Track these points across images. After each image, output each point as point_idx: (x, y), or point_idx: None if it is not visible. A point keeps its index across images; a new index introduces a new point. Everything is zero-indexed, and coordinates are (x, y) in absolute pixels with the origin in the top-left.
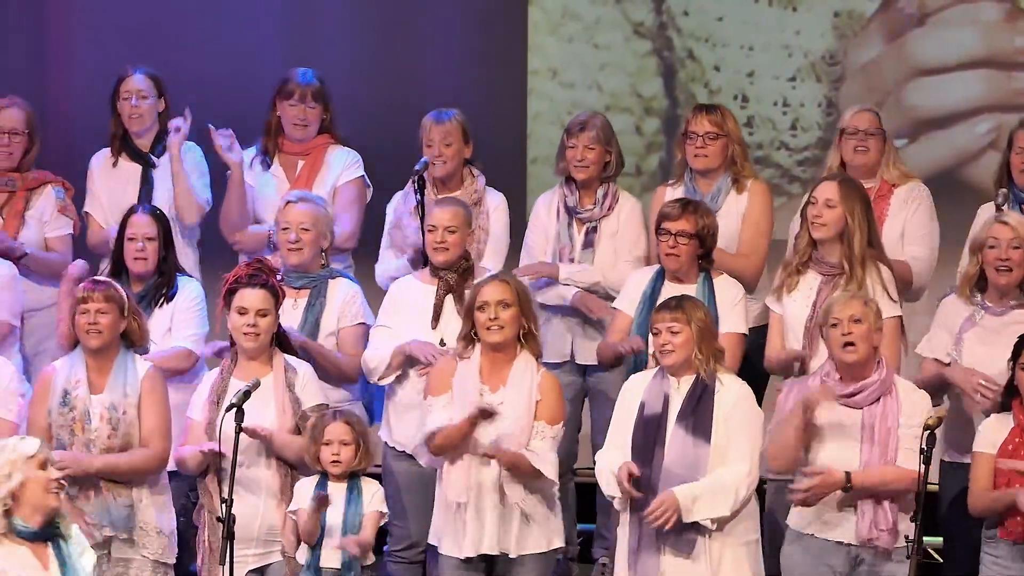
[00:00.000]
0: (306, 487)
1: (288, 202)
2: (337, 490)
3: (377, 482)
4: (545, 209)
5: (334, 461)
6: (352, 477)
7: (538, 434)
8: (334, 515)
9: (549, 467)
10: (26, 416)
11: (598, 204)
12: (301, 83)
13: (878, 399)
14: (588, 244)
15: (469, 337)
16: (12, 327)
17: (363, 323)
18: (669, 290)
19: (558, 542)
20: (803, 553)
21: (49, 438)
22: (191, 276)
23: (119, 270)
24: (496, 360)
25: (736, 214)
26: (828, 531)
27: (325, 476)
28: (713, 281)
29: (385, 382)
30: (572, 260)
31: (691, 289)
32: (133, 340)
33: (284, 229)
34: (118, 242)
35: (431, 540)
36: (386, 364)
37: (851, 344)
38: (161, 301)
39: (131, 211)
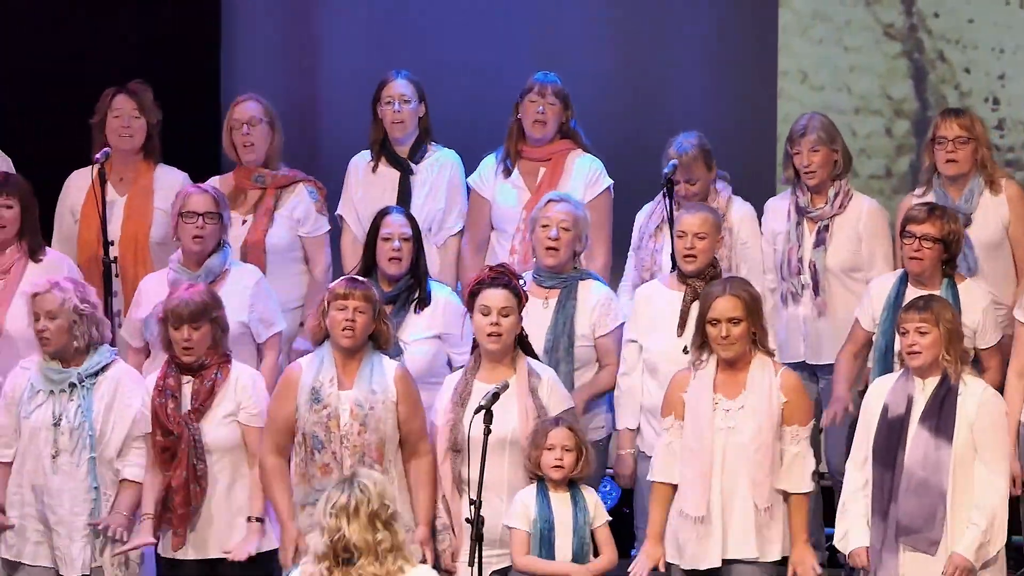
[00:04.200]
0: (525, 496)
1: (549, 200)
2: (560, 499)
3: (594, 490)
4: (775, 212)
5: (556, 466)
6: (571, 485)
7: (793, 439)
8: (563, 523)
9: (806, 473)
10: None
11: (829, 203)
12: (541, 80)
13: None
14: (819, 243)
15: (703, 346)
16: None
17: (620, 327)
18: (912, 295)
19: (777, 554)
20: None
21: (291, 436)
22: (440, 281)
23: (369, 271)
24: (728, 368)
25: (995, 214)
26: None
27: (543, 483)
28: (957, 287)
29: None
30: (799, 260)
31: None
32: (379, 343)
33: (544, 227)
34: (370, 242)
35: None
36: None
37: None
38: (414, 305)
39: (385, 211)
